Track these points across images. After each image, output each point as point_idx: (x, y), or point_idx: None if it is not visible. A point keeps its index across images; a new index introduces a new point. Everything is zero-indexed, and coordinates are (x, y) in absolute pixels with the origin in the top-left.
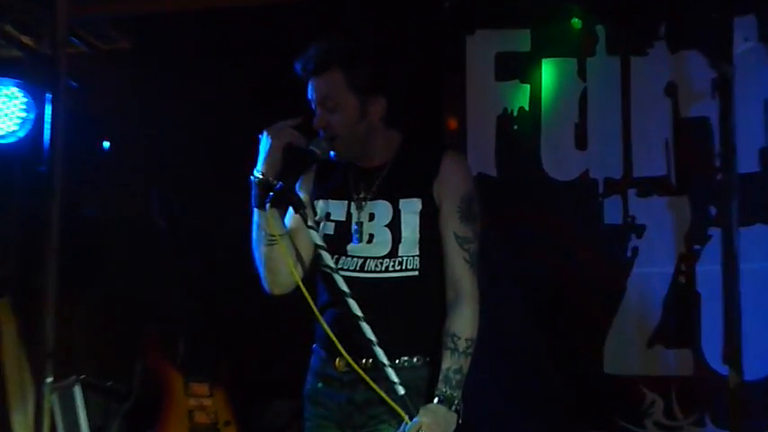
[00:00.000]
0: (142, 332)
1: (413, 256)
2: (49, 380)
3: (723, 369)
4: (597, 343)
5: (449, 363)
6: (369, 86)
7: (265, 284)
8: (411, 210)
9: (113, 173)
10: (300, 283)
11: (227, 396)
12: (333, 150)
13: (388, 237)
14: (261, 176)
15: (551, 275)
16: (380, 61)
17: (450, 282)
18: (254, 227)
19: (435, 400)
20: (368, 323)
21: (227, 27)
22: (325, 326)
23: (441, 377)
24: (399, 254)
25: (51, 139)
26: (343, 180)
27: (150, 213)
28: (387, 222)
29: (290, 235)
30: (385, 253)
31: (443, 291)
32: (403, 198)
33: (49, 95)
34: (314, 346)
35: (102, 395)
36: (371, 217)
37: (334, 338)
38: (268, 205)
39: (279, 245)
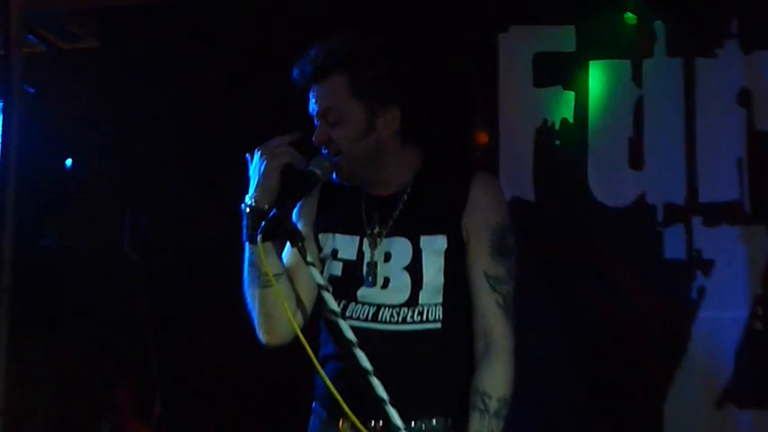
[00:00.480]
0: (110, 386)
1: (435, 305)
2: None
3: None
4: (656, 403)
5: (477, 426)
6: (378, 94)
7: (260, 333)
8: (435, 249)
9: (77, 196)
10: (299, 332)
11: None
12: (336, 171)
13: (406, 281)
14: (253, 204)
15: (600, 321)
16: (393, 64)
17: (481, 330)
18: (246, 264)
19: None
20: (379, 379)
21: (212, 24)
22: (328, 381)
23: None
24: (420, 302)
25: (2, 154)
26: (353, 211)
27: (121, 244)
28: (406, 264)
29: (289, 274)
30: (403, 301)
31: (469, 345)
32: (425, 234)
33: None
34: (314, 404)
35: None
36: (387, 257)
37: (338, 396)
38: (260, 237)
39: (274, 287)
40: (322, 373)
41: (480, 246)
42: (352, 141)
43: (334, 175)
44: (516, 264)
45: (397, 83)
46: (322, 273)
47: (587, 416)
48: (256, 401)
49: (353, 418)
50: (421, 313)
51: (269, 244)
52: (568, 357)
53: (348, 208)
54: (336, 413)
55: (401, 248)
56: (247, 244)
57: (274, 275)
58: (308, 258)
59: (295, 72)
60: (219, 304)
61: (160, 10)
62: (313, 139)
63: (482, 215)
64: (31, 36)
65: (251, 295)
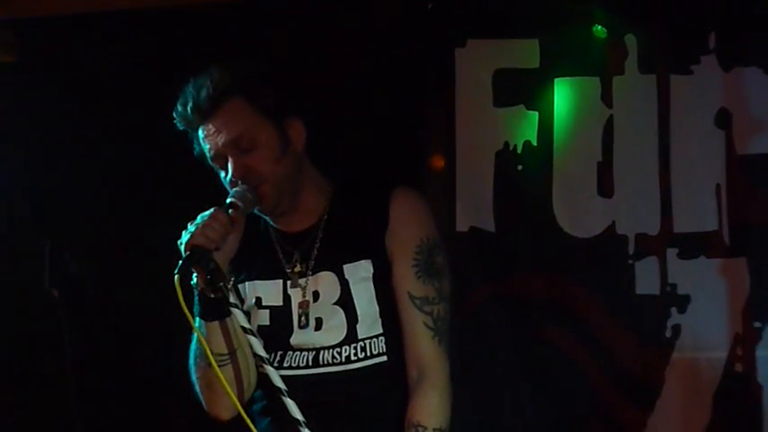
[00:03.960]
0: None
1: (377, 337)
2: None
3: None
4: None
5: None
6: (279, 106)
7: (205, 405)
8: (361, 276)
9: None
10: (242, 411)
11: None
12: (260, 200)
13: (341, 317)
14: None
15: (566, 362)
16: (284, 77)
17: (412, 357)
18: (194, 338)
19: None
20: (326, 429)
21: (138, 32)
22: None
23: None
24: (359, 336)
25: None
26: (270, 253)
27: (40, 280)
28: (335, 299)
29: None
30: (341, 339)
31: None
32: (348, 263)
33: None
34: None
35: None
36: (316, 296)
37: None
38: (177, 277)
39: (214, 368)
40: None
41: (404, 266)
42: (275, 162)
43: (255, 209)
44: (449, 285)
45: (292, 93)
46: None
47: None
48: None
49: None
50: (363, 348)
51: (216, 323)
52: (532, 401)
53: (263, 251)
54: None
55: (327, 283)
56: (197, 319)
57: (222, 355)
58: (231, 299)
59: (182, 113)
60: (149, 348)
61: (84, 19)
62: (230, 177)
63: (404, 233)
64: None
65: (195, 370)
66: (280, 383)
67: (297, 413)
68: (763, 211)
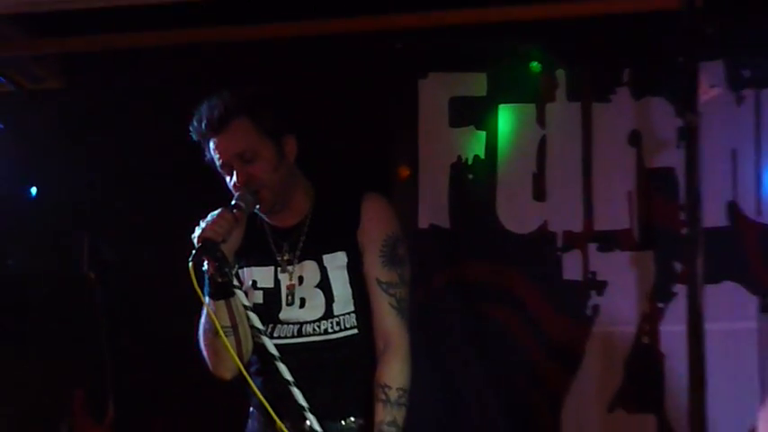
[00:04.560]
0: (69, 391)
1: (349, 314)
2: None
3: None
4: (554, 408)
5: (381, 415)
6: (277, 128)
7: (211, 367)
8: (337, 264)
9: (41, 220)
10: (245, 372)
11: None
12: (260, 202)
13: (320, 298)
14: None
15: (506, 334)
16: (282, 101)
17: (379, 330)
18: (204, 313)
19: None
20: (309, 388)
21: (162, 66)
22: (261, 397)
23: (375, 431)
24: (335, 313)
25: None
26: (263, 245)
27: (81, 264)
28: (316, 283)
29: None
30: (320, 315)
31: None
32: (327, 254)
33: None
34: (251, 409)
35: None
36: (300, 280)
37: (269, 407)
38: (208, 297)
39: (222, 339)
40: (255, 388)
41: (372, 256)
42: (272, 171)
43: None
44: (410, 272)
45: (289, 116)
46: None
47: (495, 420)
48: (198, 405)
49: (280, 424)
50: (338, 323)
51: (222, 302)
52: (478, 366)
53: (258, 244)
54: (273, 417)
55: (310, 270)
56: (207, 298)
57: (226, 327)
58: (235, 282)
59: (197, 128)
60: (167, 319)
61: (117, 55)
62: (234, 182)
63: (372, 230)
64: (1, 78)
65: (204, 338)
66: (273, 351)
67: (287, 374)
68: (665, 213)
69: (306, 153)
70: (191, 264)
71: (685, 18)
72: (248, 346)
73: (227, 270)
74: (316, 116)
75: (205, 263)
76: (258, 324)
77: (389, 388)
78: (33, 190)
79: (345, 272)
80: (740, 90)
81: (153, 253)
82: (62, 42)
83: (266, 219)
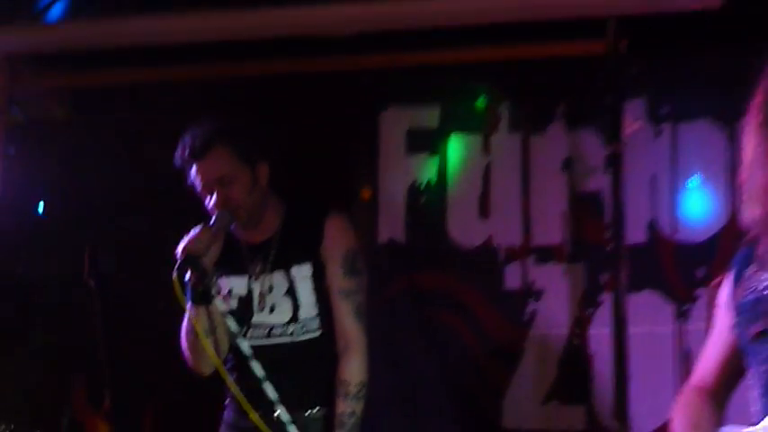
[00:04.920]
0: (70, 385)
1: (313, 317)
2: None
3: (612, 424)
4: (496, 399)
5: (342, 407)
6: (253, 156)
7: (191, 364)
8: (303, 275)
9: (47, 234)
10: (221, 369)
11: None
12: (236, 220)
13: (288, 304)
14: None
15: (455, 335)
16: (257, 131)
17: (339, 332)
18: (186, 317)
19: None
20: (279, 382)
21: (153, 99)
22: (237, 390)
23: (336, 422)
24: (300, 318)
25: None
26: (238, 258)
27: (81, 273)
28: (285, 291)
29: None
30: (287, 319)
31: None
32: (294, 265)
33: None
34: (227, 400)
35: None
36: (270, 288)
37: (243, 399)
38: (189, 303)
39: (204, 343)
40: (231, 383)
41: (334, 268)
42: (247, 194)
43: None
44: (367, 281)
45: (263, 146)
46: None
47: (446, 408)
48: (183, 395)
49: (254, 415)
50: (303, 326)
51: (202, 308)
52: (432, 363)
53: (234, 256)
54: (238, 410)
55: (279, 280)
56: (189, 304)
57: (204, 330)
58: (213, 291)
59: (181, 154)
60: (156, 321)
61: (114, 89)
62: (213, 203)
63: (334, 245)
64: (14, 108)
65: (186, 341)
66: (247, 351)
67: (259, 371)
68: (593, 231)
69: (278, 176)
70: (175, 274)
71: (611, 61)
72: (224, 346)
73: (206, 280)
74: (289, 143)
75: (187, 274)
76: (234, 327)
77: (349, 383)
78: (41, 207)
79: (310, 281)
80: (659, 124)
81: (144, 263)
82: (67, 78)
83: (241, 235)
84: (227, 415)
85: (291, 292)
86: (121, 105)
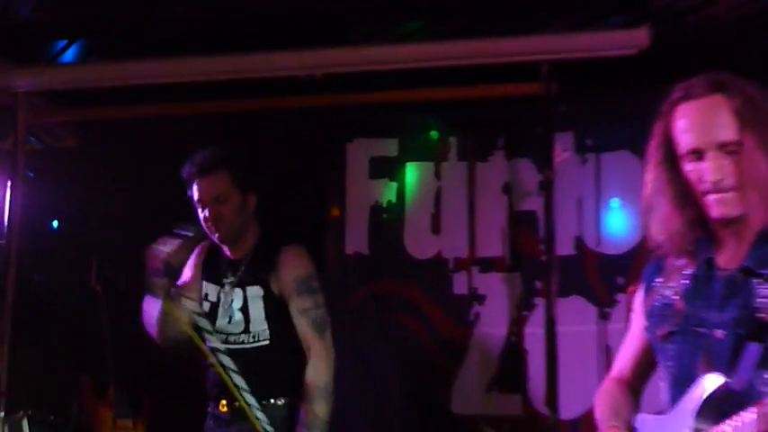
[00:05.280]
0: (79, 377)
1: (263, 330)
2: (2, 414)
3: (544, 410)
4: (447, 388)
5: (307, 410)
6: (246, 185)
7: (160, 341)
8: (255, 295)
9: (60, 246)
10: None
11: (146, 428)
12: (220, 237)
13: (241, 317)
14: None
15: (411, 335)
16: (253, 166)
17: (304, 344)
18: (159, 306)
19: None
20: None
21: (152, 130)
22: (224, 374)
23: (307, 422)
24: (251, 330)
25: (9, 218)
26: (217, 267)
27: (89, 280)
28: (240, 306)
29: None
30: (241, 330)
31: (294, 349)
32: (249, 286)
33: (9, 183)
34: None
35: (46, 428)
36: (231, 301)
37: (230, 382)
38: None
39: (186, 330)
40: (220, 369)
41: (289, 291)
42: (235, 216)
43: (215, 238)
44: (323, 298)
45: (256, 178)
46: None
47: (403, 396)
48: (176, 387)
49: (223, 402)
50: (254, 337)
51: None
52: (392, 358)
53: (215, 265)
54: (216, 398)
55: (238, 296)
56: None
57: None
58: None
59: (188, 170)
60: None
61: (117, 122)
62: (207, 216)
63: (287, 273)
64: (31, 137)
65: (160, 330)
66: (219, 346)
67: (229, 363)
68: (528, 245)
69: (261, 203)
70: (151, 275)
71: (544, 101)
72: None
73: (173, 281)
74: (270, 171)
75: (161, 278)
76: (206, 325)
77: (312, 387)
78: (55, 223)
79: (261, 301)
80: (584, 154)
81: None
82: (77, 112)
83: (225, 249)
84: (209, 404)
85: (245, 309)
86: (123, 135)
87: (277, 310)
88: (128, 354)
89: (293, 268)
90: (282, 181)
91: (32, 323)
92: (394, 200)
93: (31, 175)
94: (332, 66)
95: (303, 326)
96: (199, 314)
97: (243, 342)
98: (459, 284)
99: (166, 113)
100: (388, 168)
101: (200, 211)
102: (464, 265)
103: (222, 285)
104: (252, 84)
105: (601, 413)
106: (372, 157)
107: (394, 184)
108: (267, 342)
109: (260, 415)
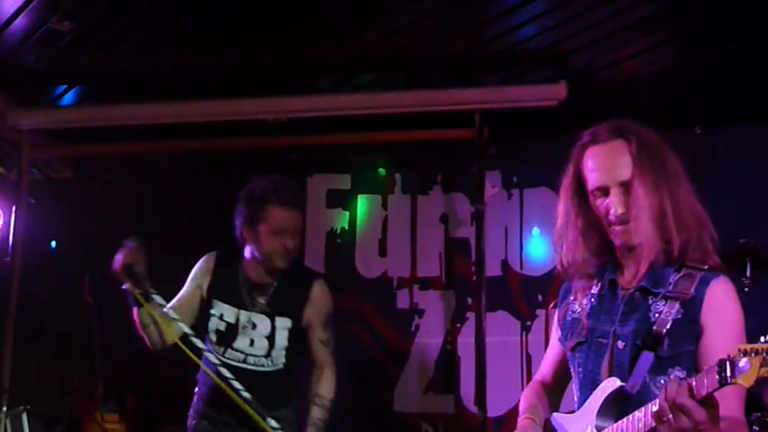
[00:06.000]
0: (72, 376)
1: (282, 355)
2: (4, 409)
3: (474, 409)
4: (390, 389)
5: (318, 414)
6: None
7: (150, 346)
8: (284, 326)
9: (57, 263)
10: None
11: (131, 422)
12: (281, 265)
13: (265, 343)
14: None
15: (361, 342)
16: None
17: (317, 364)
18: (149, 321)
19: None
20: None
21: (140, 164)
22: (229, 389)
23: (311, 422)
24: (272, 356)
25: (14, 239)
26: (237, 289)
27: (82, 292)
28: (266, 334)
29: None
30: (262, 354)
31: (299, 372)
32: (279, 316)
33: (14, 208)
34: (196, 389)
35: (42, 421)
36: (254, 326)
37: (242, 402)
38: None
39: (170, 338)
40: (228, 390)
41: (317, 325)
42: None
43: (274, 264)
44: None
45: None
46: (207, 325)
47: (353, 396)
48: (159, 386)
49: (250, 411)
50: (273, 361)
51: (141, 309)
52: (346, 363)
53: (232, 288)
54: (222, 405)
55: (263, 322)
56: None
57: (147, 324)
58: (151, 293)
59: (275, 194)
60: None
61: (110, 157)
62: (287, 244)
63: (319, 307)
64: (33, 169)
65: (148, 329)
66: (201, 345)
67: (235, 383)
68: (462, 267)
69: None
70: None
71: (477, 142)
72: (171, 333)
73: (144, 285)
74: None
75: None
76: (187, 330)
77: (325, 398)
78: (53, 243)
79: (287, 333)
80: (510, 190)
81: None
82: (74, 147)
83: (249, 272)
84: (197, 404)
85: (271, 336)
86: (113, 169)
87: (298, 339)
88: (115, 356)
89: (324, 305)
90: None
91: (32, 329)
92: (347, 227)
93: (33, 201)
94: (297, 111)
95: (322, 352)
96: (191, 335)
97: (263, 365)
98: (402, 300)
99: (153, 150)
100: (342, 199)
101: (273, 237)
102: (406, 283)
103: (244, 308)
104: (230, 125)
105: (522, 409)
106: (329, 189)
107: (347, 213)
108: (282, 366)
109: (273, 423)
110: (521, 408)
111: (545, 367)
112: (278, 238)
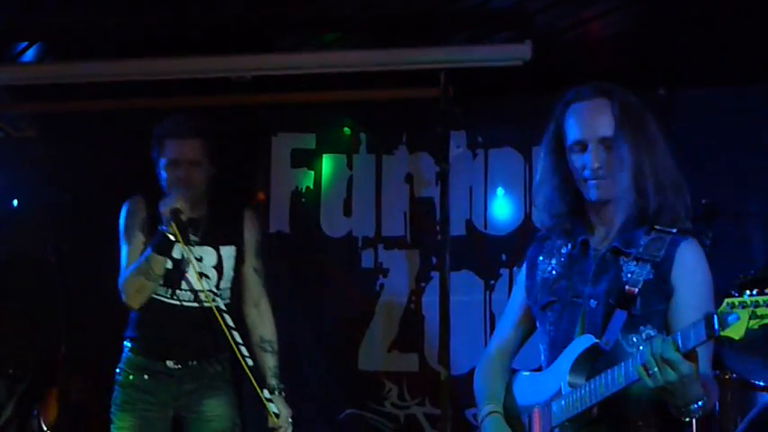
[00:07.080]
0: (35, 336)
1: (228, 288)
2: None
3: (438, 367)
4: (354, 347)
5: (273, 361)
6: (213, 155)
7: (126, 299)
8: (229, 254)
9: (19, 222)
10: (232, 341)
11: (94, 382)
12: (186, 197)
13: (214, 275)
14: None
15: (325, 302)
16: (215, 141)
17: (252, 301)
18: (144, 263)
19: (277, 392)
20: (196, 336)
21: (104, 122)
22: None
23: (270, 374)
24: (221, 288)
25: None
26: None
27: (45, 251)
28: (213, 264)
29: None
30: (212, 287)
31: (240, 306)
32: (223, 245)
33: None
34: (127, 343)
35: (5, 379)
36: (200, 258)
37: (248, 370)
38: (151, 250)
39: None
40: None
41: (249, 252)
42: (202, 180)
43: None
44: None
45: (216, 153)
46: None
47: (317, 354)
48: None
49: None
50: (221, 295)
51: (163, 257)
52: (308, 323)
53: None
54: (161, 354)
55: (209, 254)
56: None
57: (157, 276)
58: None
59: (168, 128)
60: (100, 288)
61: (75, 115)
62: (180, 176)
63: (250, 233)
64: None
65: (133, 278)
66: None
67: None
68: (427, 226)
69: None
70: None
71: (442, 102)
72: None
73: (184, 232)
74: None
75: (167, 227)
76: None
77: (272, 341)
78: (15, 202)
79: (233, 261)
80: (475, 149)
81: (91, 245)
82: (37, 105)
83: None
84: (127, 356)
85: (219, 267)
86: (76, 127)
87: (239, 269)
88: (76, 314)
89: (255, 230)
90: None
91: None
92: (312, 186)
93: None
94: (261, 69)
95: (255, 284)
96: (204, 275)
97: (213, 300)
98: (367, 259)
99: (115, 108)
100: (306, 159)
101: (169, 169)
102: (371, 243)
103: (185, 242)
104: (194, 83)
105: (479, 397)
106: (294, 149)
107: (312, 173)
108: (229, 301)
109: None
110: (479, 392)
111: (505, 327)
112: (173, 170)
